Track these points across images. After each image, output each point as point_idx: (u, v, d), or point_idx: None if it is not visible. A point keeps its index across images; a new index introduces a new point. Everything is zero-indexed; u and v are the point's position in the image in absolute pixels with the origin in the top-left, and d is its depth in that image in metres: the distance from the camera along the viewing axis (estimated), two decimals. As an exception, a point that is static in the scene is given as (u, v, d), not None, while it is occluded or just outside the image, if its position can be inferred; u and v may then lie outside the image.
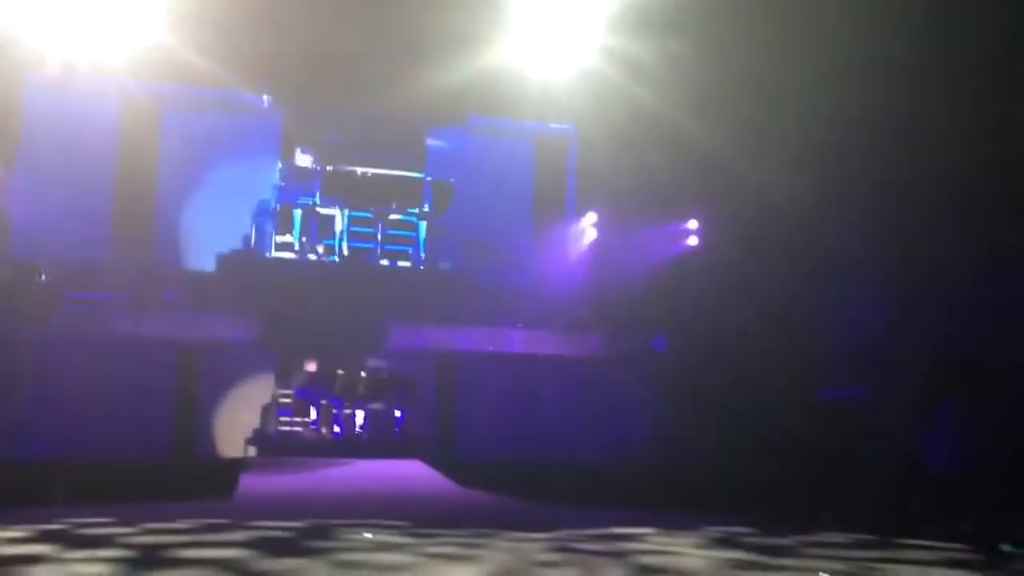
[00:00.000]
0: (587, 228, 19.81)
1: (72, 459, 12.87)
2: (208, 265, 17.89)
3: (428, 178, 19.01)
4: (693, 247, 18.32)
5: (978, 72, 12.68)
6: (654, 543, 8.05)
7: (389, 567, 6.51)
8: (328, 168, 18.43)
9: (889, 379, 14.89)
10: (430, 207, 18.80)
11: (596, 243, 19.44)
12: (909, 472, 12.12)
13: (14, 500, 9.79)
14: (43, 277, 15.85)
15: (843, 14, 14.05)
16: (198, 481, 12.36)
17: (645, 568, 6.77)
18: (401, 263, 18.82)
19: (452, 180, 19.09)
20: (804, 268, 15.96)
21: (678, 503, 11.13)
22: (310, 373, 14.84)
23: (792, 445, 13.70)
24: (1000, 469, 11.79)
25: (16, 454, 13.07)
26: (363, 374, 14.83)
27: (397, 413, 14.99)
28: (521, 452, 14.75)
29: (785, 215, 15.61)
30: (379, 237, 18.66)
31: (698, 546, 7.91)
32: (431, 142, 19.57)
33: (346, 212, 18.43)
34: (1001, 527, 8.81)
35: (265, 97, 18.81)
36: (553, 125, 19.96)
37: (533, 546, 7.69)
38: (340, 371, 14.60)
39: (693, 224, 18.43)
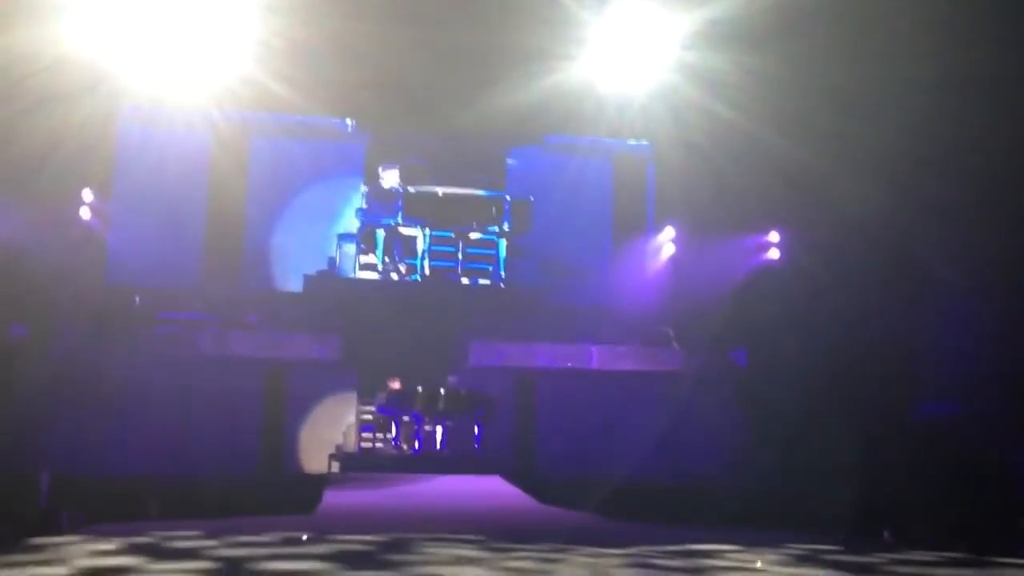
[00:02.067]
0: (665, 243, 19.68)
1: (164, 474, 13.31)
2: (295, 286, 18.37)
3: (507, 197, 19.16)
4: (774, 261, 18.02)
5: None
6: (733, 560, 7.91)
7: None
8: (410, 189, 18.73)
9: (986, 396, 14.41)
10: (510, 226, 18.93)
11: (675, 258, 19.29)
12: (1006, 491, 11.66)
13: (108, 514, 10.16)
14: (137, 301, 16.49)
15: (927, 26, 13.77)
16: (284, 496, 12.62)
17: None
18: (481, 281, 18.99)
19: (531, 199, 19.20)
20: (891, 282, 15.59)
21: (757, 522, 10.89)
22: (392, 390, 15.05)
23: (881, 463, 13.31)
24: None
25: (111, 469, 13.58)
26: (443, 391, 14.95)
27: (476, 430, 15.05)
28: (599, 469, 14.65)
29: (869, 228, 15.28)
30: (460, 256, 18.86)
31: (780, 563, 7.75)
32: (510, 161, 19.76)
33: (427, 232, 18.69)
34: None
35: (349, 122, 19.29)
36: (630, 142, 19.94)
37: (610, 561, 7.65)
38: (420, 388, 14.74)
39: (774, 238, 18.14)
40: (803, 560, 7.95)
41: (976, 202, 13.81)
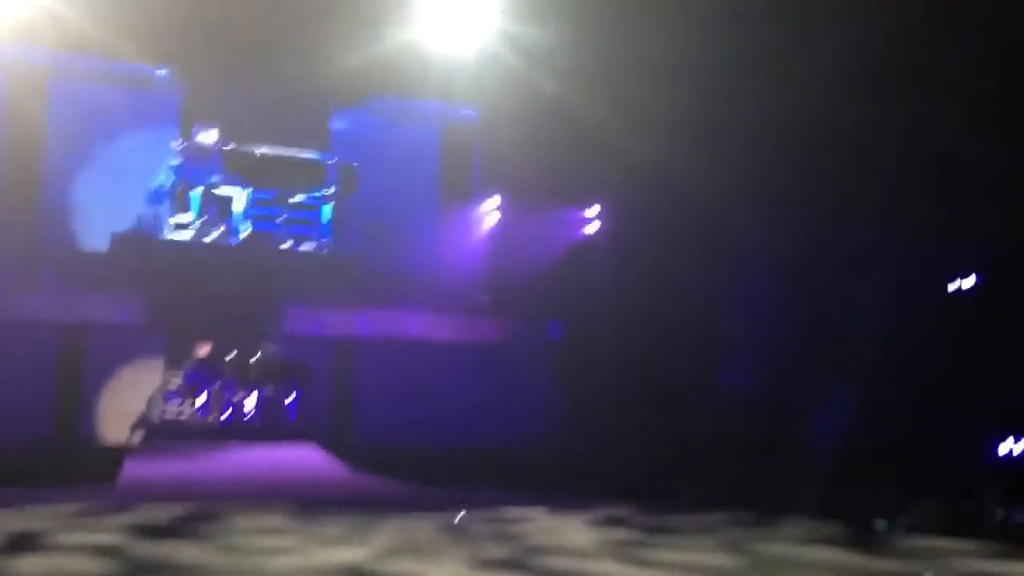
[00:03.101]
0: (490, 212, 19.86)
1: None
2: (99, 245, 17.20)
3: (332, 160, 18.71)
4: (594, 234, 18.53)
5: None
6: (541, 524, 8.18)
7: (273, 550, 6.46)
8: (229, 147, 17.93)
9: (781, 366, 15.38)
10: (334, 189, 18.51)
11: (498, 228, 19.48)
12: (794, 455, 12.56)
13: None
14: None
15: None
16: (81, 466, 11.95)
17: (531, 548, 6.89)
18: (303, 247, 18.48)
19: (356, 163, 18.84)
20: (704, 257, 16.32)
21: (568, 487, 11.32)
22: (201, 357, 14.48)
23: (685, 431, 14.05)
24: (878, 449, 12.38)
25: None
26: (256, 358, 14.51)
27: (291, 398, 14.74)
28: (417, 437, 14.69)
29: (686, 202, 15.88)
30: (281, 220, 18.28)
31: (584, 526, 8.08)
32: (335, 123, 19.25)
33: (247, 192, 17.98)
34: (873, 505, 9.25)
35: (162, 71, 18.15)
36: (458, 109, 19.88)
37: (422, 526, 7.73)
38: (232, 355, 14.23)
39: (594, 211, 18.63)
40: (606, 523, 8.32)
41: (787, 173, 14.57)
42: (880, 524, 8.71)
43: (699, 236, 16.35)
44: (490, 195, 19.33)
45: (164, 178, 17.73)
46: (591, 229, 18.53)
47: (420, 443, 14.26)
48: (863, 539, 7.93)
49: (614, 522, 8.39)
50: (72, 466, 12.05)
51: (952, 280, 14.66)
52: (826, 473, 10.90)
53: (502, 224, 18.97)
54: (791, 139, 14.35)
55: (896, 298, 14.30)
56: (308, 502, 9.35)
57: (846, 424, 12.95)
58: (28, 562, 5.74)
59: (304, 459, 13.16)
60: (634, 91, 15.51)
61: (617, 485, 11.14)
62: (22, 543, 6.44)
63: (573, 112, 16.53)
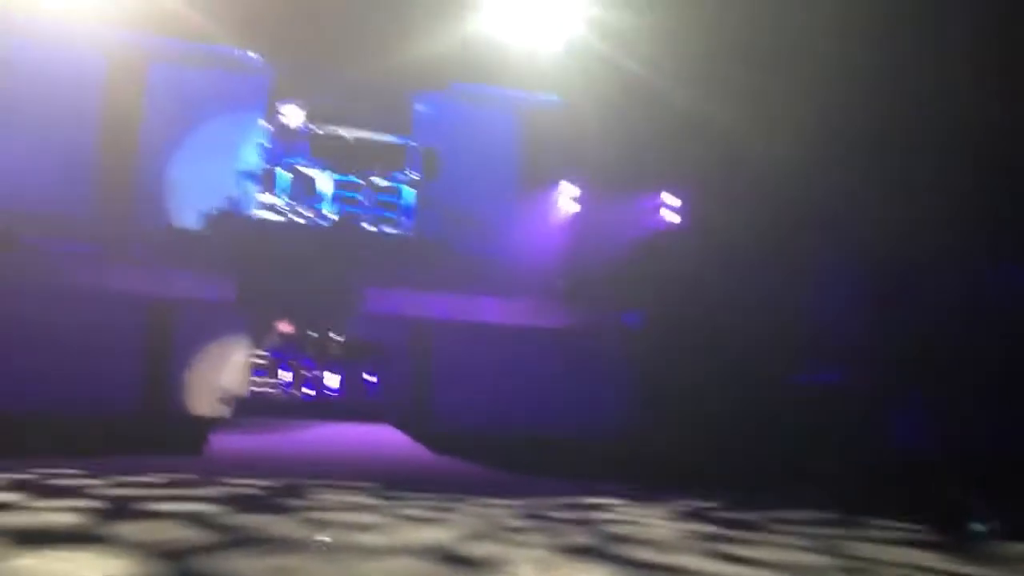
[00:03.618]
0: (569, 199, 19.80)
1: (40, 411, 12.78)
2: (189, 222, 17.70)
3: (414, 144, 18.87)
4: (676, 224, 18.33)
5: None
6: (623, 513, 8.13)
7: (358, 526, 6.54)
8: (316, 130, 18.23)
9: (864, 366, 15.06)
10: (417, 173, 18.68)
11: (577, 214, 19.42)
12: (878, 454, 12.30)
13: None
14: (13, 230, 15.63)
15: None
16: (169, 438, 12.32)
17: (613, 536, 6.84)
18: (387, 229, 18.71)
19: (437, 147, 18.97)
20: (787, 250, 16.02)
21: (647, 478, 11.23)
22: (285, 334, 14.78)
23: (764, 425, 13.84)
24: (966, 453, 12.00)
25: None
26: (337, 337, 14.76)
27: (372, 378, 14.96)
28: (493, 421, 14.80)
29: (771, 193, 15.60)
30: (365, 202, 18.53)
31: (666, 518, 8.00)
32: (418, 107, 19.41)
33: (332, 175, 18.26)
34: (965, 509, 8.96)
35: (254, 55, 18.53)
36: (539, 95, 19.84)
37: (502, 511, 7.75)
38: (315, 333, 14.51)
39: (677, 201, 18.43)
40: (688, 516, 8.22)
41: (886, 177, 14.22)
42: (975, 528, 8.42)
43: (783, 229, 16.03)
44: (570, 181, 19.26)
45: (253, 159, 18.14)
46: (673, 217, 18.31)
47: (496, 427, 14.33)
48: (956, 542, 7.68)
49: (697, 515, 8.28)
50: (161, 437, 12.41)
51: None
52: (916, 474, 10.60)
53: (581, 210, 18.89)
54: (887, 136, 13.95)
55: (982, 299, 13.86)
56: (389, 481, 9.48)
57: (935, 425, 12.59)
58: (128, 528, 5.92)
59: (384, 438, 13.35)
60: (721, 78, 15.23)
61: (699, 478, 11.01)
62: (121, 510, 6.65)
63: (657, 99, 16.32)
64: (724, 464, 11.76)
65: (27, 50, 17.10)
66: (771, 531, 7.68)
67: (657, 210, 18.55)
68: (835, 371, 15.35)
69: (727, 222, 16.46)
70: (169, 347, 15.12)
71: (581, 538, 6.71)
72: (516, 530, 6.88)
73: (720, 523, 7.86)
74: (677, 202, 18.32)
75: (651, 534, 7.07)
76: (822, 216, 15.60)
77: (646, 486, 10.34)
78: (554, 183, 20.05)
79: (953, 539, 7.87)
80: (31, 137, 16.86)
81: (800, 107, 14.25)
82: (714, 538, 7.12)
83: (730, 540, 7.04)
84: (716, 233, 16.69)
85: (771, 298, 16.20)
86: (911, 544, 7.33)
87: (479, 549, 6.08)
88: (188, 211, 17.67)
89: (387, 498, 8.12)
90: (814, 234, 15.87)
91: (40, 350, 14.02)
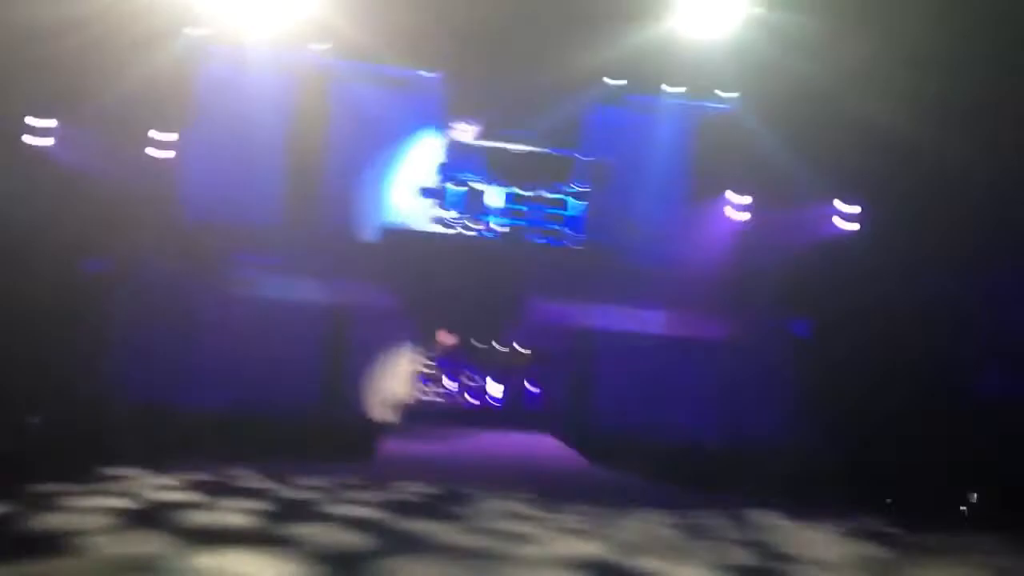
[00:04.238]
0: (738, 208, 19.30)
1: (223, 413, 13.59)
2: (369, 236, 18.41)
3: (584, 156, 18.97)
4: (850, 231, 17.55)
5: None
6: (789, 531, 7.88)
7: (520, 536, 6.63)
8: (487, 145, 18.64)
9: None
10: (588, 185, 18.79)
11: (747, 223, 18.90)
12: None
13: (170, 446, 10.44)
14: (214, 240, 16.79)
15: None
16: (343, 441, 12.86)
17: (779, 555, 6.65)
18: (554, 241, 18.85)
19: (608, 158, 18.99)
20: (963, 258, 15.11)
21: (815, 494, 10.82)
22: (452, 344, 15.16)
23: (944, 440, 13.05)
24: None
25: (177, 401, 13.88)
26: (501, 347, 14.98)
27: (534, 388, 15.10)
28: (655, 432, 14.62)
29: (948, 199, 14.77)
30: (533, 214, 18.75)
31: (834, 536, 7.69)
32: (589, 119, 19.43)
33: (503, 189, 18.60)
34: None
35: (429, 73, 19.08)
36: (713, 102, 19.43)
37: (662, 524, 7.68)
38: (479, 343, 14.79)
39: (854, 208, 17.66)
40: (858, 535, 7.88)
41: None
42: None
43: (962, 236, 15.11)
44: (741, 189, 18.80)
45: (428, 175, 18.68)
46: (847, 225, 17.54)
47: (658, 437, 14.15)
48: None
49: (868, 535, 7.92)
50: (335, 440, 12.97)
51: None
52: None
53: (751, 219, 18.41)
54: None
55: None
56: (549, 490, 9.57)
57: None
58: (301, 530, 6.25)
59: (544, 447, 13.46)
60: (898, 83, 14.54)
61: (870, 495, 10.52)
62: (294, 511, 7.03)
63: (833, 104, 15.72)
64: (898, 480, 11.16)
65: (220, 73, 18.35)
66: (947, 555, 7.24)
67: (830, 217, 17.85)
68: (1016, 378, 14.30)
69: (903, 230, 15.66)
70: (344, 353, 15.82)
71: (745, 555, 6.56)
72: (676, 544, 6.80)
73: (893, 544, 7.48)
74: (854, 209, 17.55)
75: (820, 554, 6.82)
76: (1004, 222, 14.64)
77: (812, 502, 9.96)
78: (727, 190, 19.59)
79: None
80: (228, 155, 18.07)
81: (983, 113, 13.40)
82: (886, 561, 6.80)
83: (904, 564, 6.70)
84: (893, 240, 15.89)
85: (949, 306, 15.29)
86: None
87: (640, 563, 6.05)
88: (367, 225, 18.43)
89: (545, 507, 8.20)
90: (995, 240, 14.89)
91: (229, 355, 15.02)
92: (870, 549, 7.27)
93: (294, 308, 15.64)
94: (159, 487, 7.78)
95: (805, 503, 9.88)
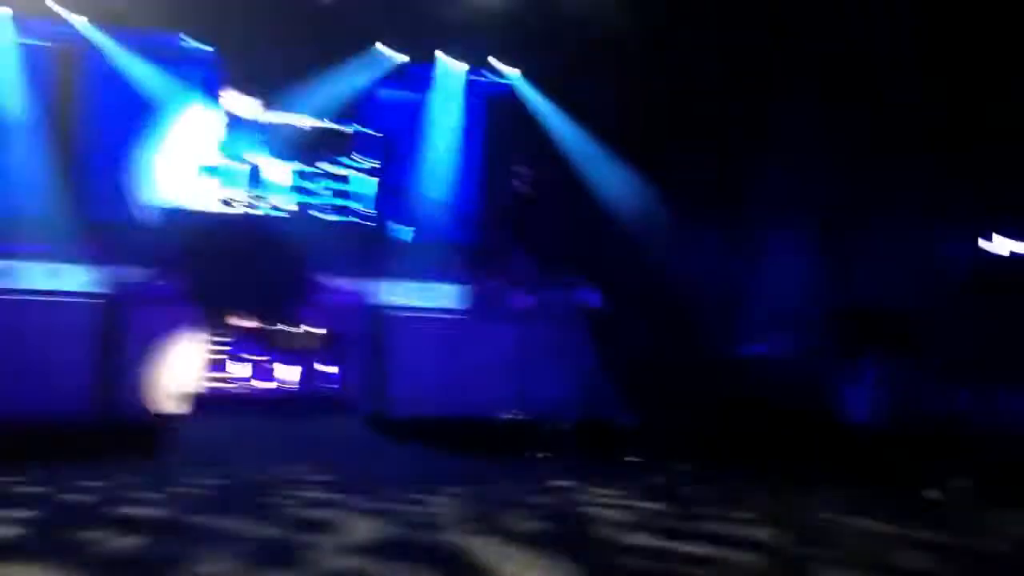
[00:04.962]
0: (527, 181, 19.68)
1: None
2: (144, 218, 17.33)
3: (372, 130, 18.68)
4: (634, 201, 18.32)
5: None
6: (595, 495, 8.21)
7: (316, 523, 6.51)
8: (272, 120, 17.93)
9: (809, 337, 15.24)
10: (379, 160, 18.52)
11: (536, 196, 19.29)
12: (827, 425, 12.46)
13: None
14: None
15: None
16: (122, 440, 12.11)
17: (576, 517, 6.90)
18: (343, 217, 18.47)
19: (399, 134, 18.82)
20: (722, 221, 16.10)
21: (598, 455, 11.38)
22: (243, 328, 14.57)
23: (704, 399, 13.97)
24: (918, 424, 12.25)
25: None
26: (295, 329, 14.54)
27: (329, 368, 14.79)
28: (451, 407, 14.78)
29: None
30: (323, 191, 18.28)
31: (624, 496, 8.08)
32: (370, 91, 19.11)
33: (288, 164, 18.00)
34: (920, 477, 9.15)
35: (201, 44, 18.08)
36: (489, 74, 19.60)
37: (458, 498, 7.77)
38: (271, 326, 14.28)
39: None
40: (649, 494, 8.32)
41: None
42: (931, 494, 8.62)
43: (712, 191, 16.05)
44: (529, 161, 19.14)
45: (208, 152, 17.74)
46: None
47: (455, 412, 14.31)
48: (910, 509, 7.87)
49: (656, 493, 8.38)
50: (114, 439, 12.17)
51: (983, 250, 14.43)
52: (868, 444, 10.81)
53: (538, 191, 18.82)
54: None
55: (931, 270, 14.10)
56: (347, 474, 9.48)
57: (887, 397, 12.82)
58: (79, 536, 5.83)
59: (343, 430, 13.25)
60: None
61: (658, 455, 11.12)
62: (71, 517, 6.54)
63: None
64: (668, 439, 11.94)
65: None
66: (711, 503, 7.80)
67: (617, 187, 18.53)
68: (776, 341, 15.48)
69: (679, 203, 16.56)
70: (124, 347, 14.89)
71: (542, 524, 6.75)
72: (474, 519, 6.88)
73: (671, 500, 7.97)
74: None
75: (613, 515, 7.13)
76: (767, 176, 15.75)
77: (606, 465, 10.44)
78: (511, 165, 19.89)
79: (907, 505, 8.06)
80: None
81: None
82: (668, 515, 7.21)
83: (680, 517, 7.14)
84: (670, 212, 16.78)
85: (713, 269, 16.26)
86: (865, 512, 7.49)
87: (437, 539, 6.08)
88: (142, 206, 17.32)
89: (351, 492, 8.09)
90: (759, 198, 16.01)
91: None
92: (658, 506, 7.70)
93: (60, 298, 14.55)
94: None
95: (599, 467, 10.32)
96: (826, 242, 15.45)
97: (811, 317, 15.40)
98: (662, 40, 15.62)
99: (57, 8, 16.21)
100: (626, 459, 11.25)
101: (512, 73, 19.01)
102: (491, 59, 18.59)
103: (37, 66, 16.97)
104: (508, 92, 19.25)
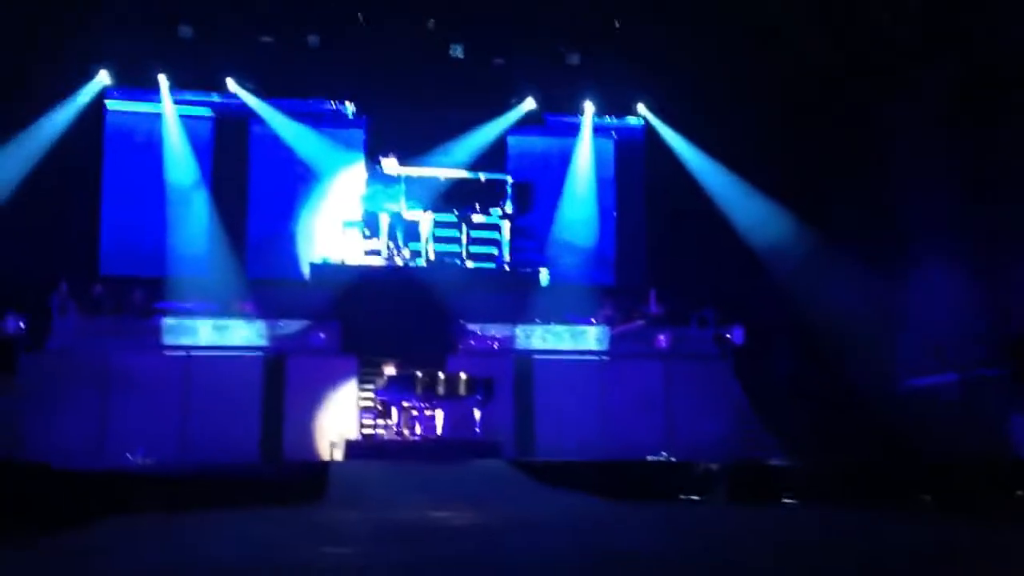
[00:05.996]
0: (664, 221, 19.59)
1: (165, 466, 13.26)
2: (298, 274, 18.23)
3: (509, 179, 19.11)
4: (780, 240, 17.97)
5: None
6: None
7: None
8: (411, 174, 18.61)
9: (979, 367, 14.51)
10: (513, 208, 18.91)
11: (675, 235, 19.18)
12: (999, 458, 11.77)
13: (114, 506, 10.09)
14: (135, 292, 16.50)
15: None
16: (288, 484, 12.60)
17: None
18: (485, 265, 18.89)
19: (532, 181, 19.21)
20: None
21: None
22: (390, 375, 15.00)
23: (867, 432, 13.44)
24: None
25: (112, 462, 13.54)
26: (441, 375, 14.82)
27: (476, 414, 14.99)
28: (599, 450, 14.75)
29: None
30: (463, 239, 18.77)
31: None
32: (510, 142, 19.56)
33: (430, 216, 18.58)
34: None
35: (348, 106, 19.07)
36: (631, 120, 19.75)
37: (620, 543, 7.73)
38: (419, 373, 14.59)
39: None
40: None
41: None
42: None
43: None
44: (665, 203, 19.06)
45: (355, 207, 18.58)
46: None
47: (603, 456, 14.28)
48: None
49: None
50: (280, 485, 12.67)
51: None
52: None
53: (676, 230, 18.70)
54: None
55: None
56: (501, 517, 9.56)
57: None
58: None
59: (491, 473, 13.35)
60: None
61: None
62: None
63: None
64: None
65: (133, 120, 18.10)
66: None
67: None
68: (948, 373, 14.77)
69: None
70: (283, 396, 15.59)
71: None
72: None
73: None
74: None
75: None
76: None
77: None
78: (644, 205, 19.90)
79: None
80: (143, 204, 17.81)
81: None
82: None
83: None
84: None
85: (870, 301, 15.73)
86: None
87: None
88: (296, 263, 18.24)
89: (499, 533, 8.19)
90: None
91: (168, 407, 14.74)
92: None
93: (224, 353, 15.47)
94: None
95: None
96: (984, 267, 14.76)
97: (975, 346, 14.66)
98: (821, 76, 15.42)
99: (228, 82, 17.52)
100: (783, 501, 10.87)
101: (652, 116, 19.13)
102: (637, 104, 18.83)
103: (200, 136, 18.31)
104: (649, 134, 19.36)
